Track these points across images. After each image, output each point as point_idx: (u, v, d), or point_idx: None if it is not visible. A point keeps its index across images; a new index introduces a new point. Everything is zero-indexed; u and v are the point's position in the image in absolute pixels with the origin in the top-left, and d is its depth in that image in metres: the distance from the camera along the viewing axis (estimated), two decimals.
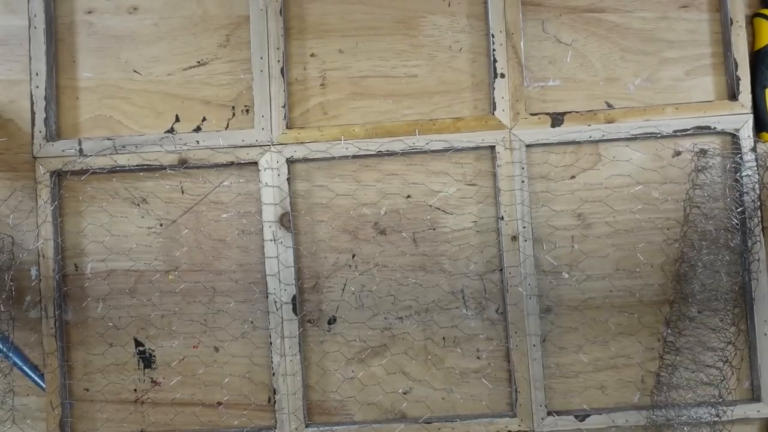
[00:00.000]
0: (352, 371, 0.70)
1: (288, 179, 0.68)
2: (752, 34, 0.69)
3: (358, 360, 0.70)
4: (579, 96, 0.70)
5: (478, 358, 0.70)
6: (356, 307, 0.70)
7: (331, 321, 0.70)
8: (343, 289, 0.70)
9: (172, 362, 0.71)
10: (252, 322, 0.70)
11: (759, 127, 0.68)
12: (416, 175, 0.70)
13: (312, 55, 0.71)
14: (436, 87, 0.71)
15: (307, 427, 0.68)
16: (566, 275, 0.70)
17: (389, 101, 0.70)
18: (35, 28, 0.69)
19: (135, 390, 0.71)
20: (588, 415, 0.68)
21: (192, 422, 0.70)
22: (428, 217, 0.70)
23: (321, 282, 0.70)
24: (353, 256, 0.70)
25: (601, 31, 0.70)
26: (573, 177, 0.70)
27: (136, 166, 0.69)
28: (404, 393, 0.70)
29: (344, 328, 0.70)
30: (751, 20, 0.69)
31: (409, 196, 0.70)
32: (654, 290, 0.69)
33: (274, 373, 0.68)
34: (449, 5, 0.70)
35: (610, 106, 0.69)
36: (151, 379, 0.71)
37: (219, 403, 0.70)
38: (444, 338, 0.70)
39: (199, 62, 0.71)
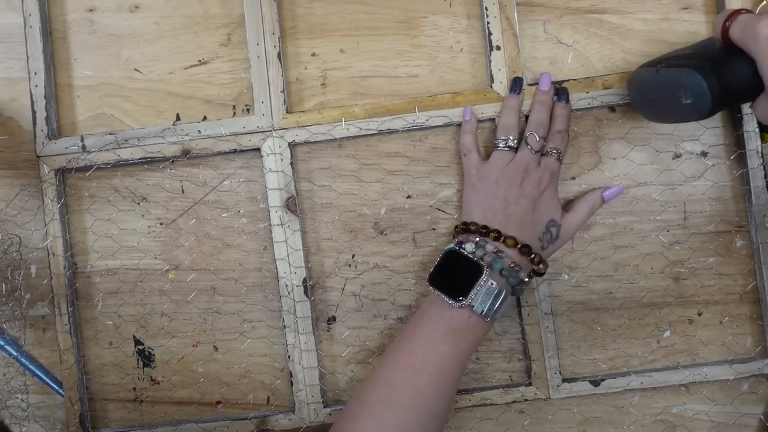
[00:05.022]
0: (352, 371, 0.70)
1: (291, 163, 0.69)
2: None
3: (357, 361, 0.70)
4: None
5: (477, 359, 0.70)
6: (356, 308, 0.70)
7: (330, 321, 0.70)
8: (343, 290, 0.71)
9: (172, 361, 0.71)
10: (251, 323, 0.71)
11: (762, 128, 0.67)
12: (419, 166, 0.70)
13: (313, 54, 0.71)
14: (437, 87, 0.70)
15: (325, 407, 0.69)
16: (566, 276, 0.70)
17: (390, 101, 0.69)
18: (31, 27, 0.69)
19: (134, 389, 0.71)
20: (603, 380, 0.68)
21: (190, 421, 0.70)
22: (428, 217, 0.70)
23: (321, 281, 0.71)
24: (353, 256, 0.70)
25: (602, 33, 0.70)
26: (573, 178, 0.70)
27: (140, 159, 0.69)
28: None
29: (344, 328, 0.70)
30: None
31: (409, 196, 0.70)
32: (654, 292, 0.69)
33: (289, 356, 0.68)
34: (450, 5, 0.70)
35: (610, 107, 0.69)
36: (151, 377, 0.71)
37: (218, 402, 0.71)
38: None
39: (200, 61, 0.71)
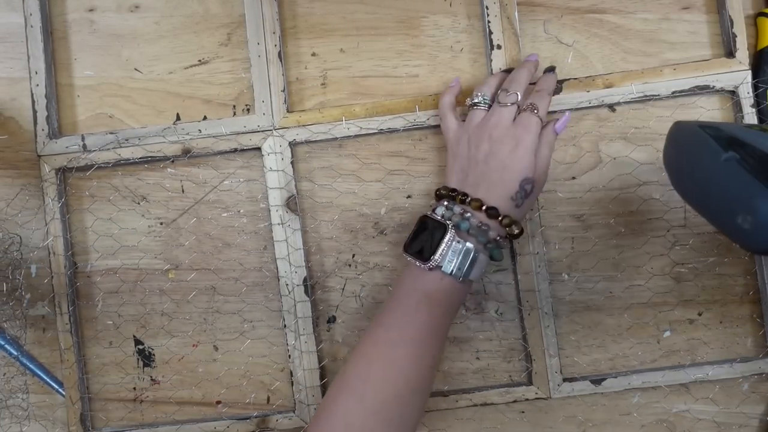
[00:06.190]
0: None
1: (292, 162, 0.69)
2: (755, 36, 0.69)
3: None
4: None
5: (478, 359, 0.70)
6: (356, 308, 0.70)
7: (331, 321, 0.70)
8: (343, 289, 0.70)
9: (172, 361, 0.71)
10: (251, 322, 0.71)
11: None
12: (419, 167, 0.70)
13: (313, 54, 0.71)
14: (437, 87, 0.70)
15: None
16: (566, 276, 0.70)
17: (391, 101, 0.69)
18: (31, 27, 0.69)
19: (134, 388, 0.71)
20: (604, 380, 0.68)
21: (191, 421, 0.70)
22: None
23: (321, 281, 0.71)
24: (353, 256, 0.70)
25: (602, 32, 0.70)
26: (574, 178, 0.70)
27: (140, 158, 0.69)
28: None
29: (344, 328, 0.70)
30: (755, 20, 0.69)
31: (409, 196, 0.70)
32: (655, 292, 0.69)
33: (290, 356, 0.68)
34: (450, 5, 0.70)
35: (611, 107, 0.69)
36: (151, 377, 0.71)
37: (218, 402, 0.71)
38: None
39: (200, 61, 0.71)
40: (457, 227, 0.59)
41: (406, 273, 0.61)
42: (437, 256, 0.58)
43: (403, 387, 0.57)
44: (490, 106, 0.64)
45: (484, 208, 0.59)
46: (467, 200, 0.60)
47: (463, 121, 0.65)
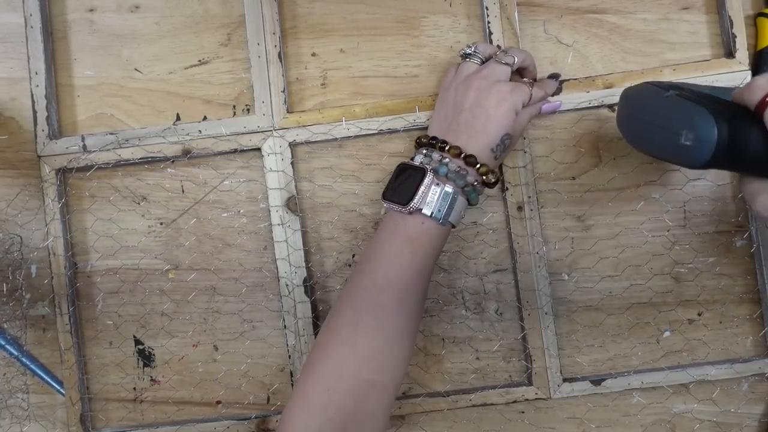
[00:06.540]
0: None
1: (292, 163, 0.69)
2: (755, 36, 0.69)
3: None
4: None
5: (478, 359, 0.70)
6: None
7: None
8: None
9: (172, 361, 0.71)
10: (251, 323, 0.71)
11: None
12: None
13: (313, 54, 0.71)
14: (437, 88, 0.70)
15: None
16: (566, 276, 0.70)
17: (391, 101, 0.69)
18: (32, 27, 0.69)
19: (134, 389, 0.71)
20: (603, 380, 0.68)
21: (191, 421, 0.70)
22: None
23: (321, 282, 0.71)
24: (353, 256, 0.70)
25: (602, 33, 0.70)
26: (573, 178, 0.70)
27: (140, 159, 0.69)
28: (402, 394, 0.70)
29: None
30: (755, 20, 0.69)
31: None
32: (654, 292, 0.69)
33: (290, 356, 0.68)
34: (450, 5, 0.70)
35: (610, 107, 0.69)
36: (151, 377, 0.71)
37: (218, 402, 0.71)
38: (443, 339, 0.70)
39: (200, 61, 0.71)
40: (435, 172, 0.59)
41: (386, 220, 0.61)
42: (416, 198, 0.58)
43: (392, 332, 0.57)
44: (482, 62, 0.64)
45: (462, 155, 0.60)
46: (446, 148, 0.60)
47: None
